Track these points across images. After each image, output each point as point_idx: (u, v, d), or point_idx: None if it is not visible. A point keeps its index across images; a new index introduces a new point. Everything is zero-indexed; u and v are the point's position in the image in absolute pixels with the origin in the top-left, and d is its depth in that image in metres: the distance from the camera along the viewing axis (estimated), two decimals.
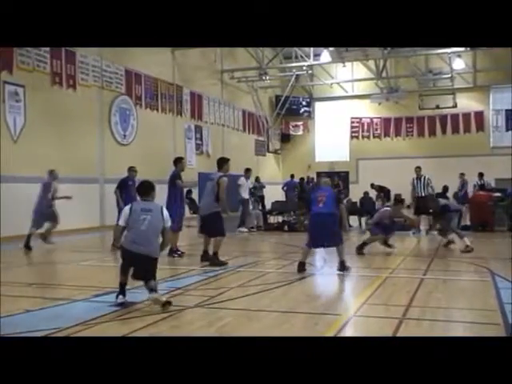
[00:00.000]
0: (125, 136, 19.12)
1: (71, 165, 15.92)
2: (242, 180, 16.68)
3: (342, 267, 8.34)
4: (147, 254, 5.88)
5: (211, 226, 9.50)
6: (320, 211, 8.42)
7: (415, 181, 15.72)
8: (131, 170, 11.99)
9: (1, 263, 9.07)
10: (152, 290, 5.82)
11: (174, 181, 10.48)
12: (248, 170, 16.97)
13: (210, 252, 9.44)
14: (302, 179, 24.40)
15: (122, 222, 6.06)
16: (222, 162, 9.75)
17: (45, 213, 11.66)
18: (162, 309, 5.69)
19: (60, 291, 6.98)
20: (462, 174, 21.52)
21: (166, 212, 6.14)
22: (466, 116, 30.11)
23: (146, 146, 19.80)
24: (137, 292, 6.36)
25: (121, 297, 6.01)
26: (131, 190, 10.80)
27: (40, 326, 5.08)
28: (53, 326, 5.04)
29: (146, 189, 6.24)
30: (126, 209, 6.09)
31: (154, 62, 20.34)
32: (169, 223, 6.15)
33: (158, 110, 21.07)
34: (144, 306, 5.99)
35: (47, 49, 15.42)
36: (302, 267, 8.40)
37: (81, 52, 16.69)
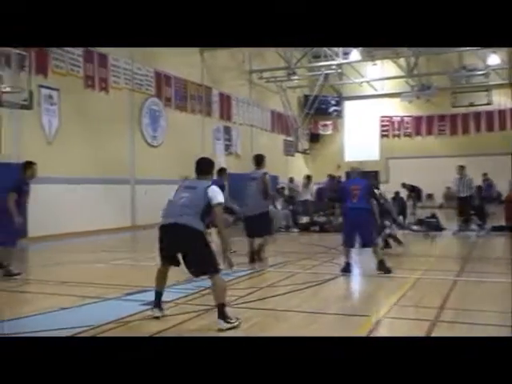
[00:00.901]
0: (155, 137, 19.34)
1: (103, 166, 16.20)
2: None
3: (383, 267, 8.15)
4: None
5: (262, 226, 9.36)
6: (354, 207, 8.10)
7: (457, 181, 15.12)
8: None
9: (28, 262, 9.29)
10: None
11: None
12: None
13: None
14: (333, 177, 24.16)
15: None
16: (262, 159, 9.67)
17: None
18: None
19: (93, 290, 7.13)
20: (485, 174, 21.22)
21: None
22: (502, 113, 29.56)
23: (176, 147, 20.00)
24: (168, 291, 6.45)
25: None
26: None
27: (74, 324, 5.20)
28: (86, 324, 5.16)
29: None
30: None
31: (183, 63, 20.52)
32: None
33: (187, 111, 21.25)
34: (174, 305, 6.07)
35: (80, 53, 15.72)
36: (346, 268, 8.20)
37: (113, 55, 16.95)
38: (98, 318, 5.44)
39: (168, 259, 5.47)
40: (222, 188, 11.12)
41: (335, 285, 7.68)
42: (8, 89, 10.39)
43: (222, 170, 11.38)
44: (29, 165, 8.49)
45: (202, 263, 5.26)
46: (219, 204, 5.31)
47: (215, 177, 11.64)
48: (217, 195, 5.32)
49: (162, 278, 5.56)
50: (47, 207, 13.50)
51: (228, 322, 5.09)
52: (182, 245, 5.29)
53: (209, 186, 5.37)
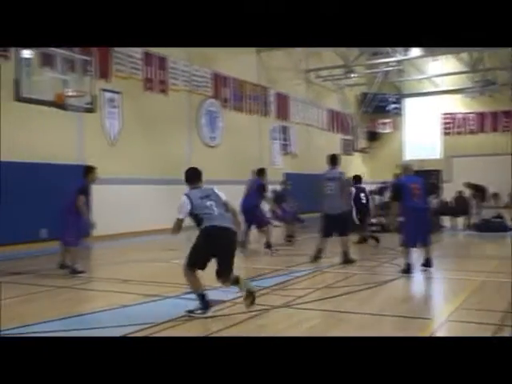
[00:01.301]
0: (212, 138, 19.56)
1: (162, 167, 16.53)
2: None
3: (429, 264, 8.12)
4: None
5: (344, 225, 9.54)
6: (417, 206, 7.97)
7: None
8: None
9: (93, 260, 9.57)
10: None
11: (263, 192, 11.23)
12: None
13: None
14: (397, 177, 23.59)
15: None
16: (337, 159, 9.85)
17: None
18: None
19: (153, 288, 7.27)
20: None
21: None
22: None
23: (233, 148, 20.16)
24: (226, 290, 6.51)
25: None
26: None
27: (135, 321, 5.33)
28: (146, 321, 5.27)
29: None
30: None
31: (240, 64, 20.65)
32: None
33: (244, 111, 21.37)
34: (232, 304, 6.11)
35: (141, 56, 16.10)
36: (408, 269, 8.07)
37: (171, 58, 17.27)
38: (158, 316, 5.54)
39: (207, 262, 5.75)
40: (263, 188, 11.35)
41: (395, 286, 7.53)
42: (73, 93, 10.75)
43: (262, 171, 11.73)
44: (90, 169, 8.89)
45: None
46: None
47: (250, 177, 11.90)
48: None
49: (198, 279, 5.78)
50: (109, 207, 13.88)
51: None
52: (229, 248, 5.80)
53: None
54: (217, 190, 5.99)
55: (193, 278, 5.73)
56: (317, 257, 9.47)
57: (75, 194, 8.43)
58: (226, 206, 5.91)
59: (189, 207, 5.77)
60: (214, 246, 5.68)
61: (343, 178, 9.59)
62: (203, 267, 5.73)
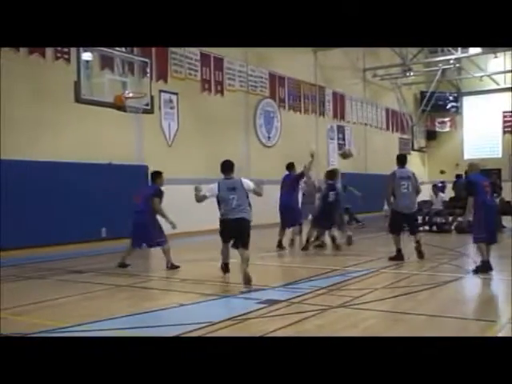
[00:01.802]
0: (269, 138, 19.61)
1: (218, 167, 16.65)
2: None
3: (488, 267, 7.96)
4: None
5: (415, 223, 10.19)
6: (491, 204, 8.07)
7: None
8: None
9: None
10: None
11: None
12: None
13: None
14: (459, 176, 22.90)
15: None
16: (405, 159, 10.31)
17: None
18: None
19: (211, 287, 7.35)
20: None
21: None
22: None
23: (289, 148, 20.11)
24: (283, 290, 6.51)
25: None
26: None
27: (192, 320, 5.40)
28: (204, 320, 5.33)
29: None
30: None
31: (297, 63, 20.61)
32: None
33: (300, 111, 21.33)
34: (289, 304, 6.10)
35: (198, 57, 16.33)
36: (485, 266, 7.92)
37: (228, 58, 17.42)
38: (216, 315, 5.59)
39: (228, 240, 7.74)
40: (334, 189, 11.24)
41: (455, 287, 7.34)
42: (132, 94, 11.00)
43: (333, 172, 12.02)
44: (158, 174, 9.40)
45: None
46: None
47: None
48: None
49: (228, 248, 7.84)
50: (167, 208, 14.11)
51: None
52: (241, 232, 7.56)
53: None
54: (245, 181, 7.52)
55: (224, 249, 7.83)
56: (398, 255, 9.60)
57: (151, 198, 8.92)
58: (255, 191, 7.53)
59: (216, 192, 7.47)
60: (227, 231, 7.55)
61: (415, 176, 9.87)
62: (228, 241, 7.69)
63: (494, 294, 7.28)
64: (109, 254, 10.00)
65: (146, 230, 8.93)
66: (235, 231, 7.48)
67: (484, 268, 7.88)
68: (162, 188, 9.27)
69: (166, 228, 9.26)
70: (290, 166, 12.09)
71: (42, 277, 8.55)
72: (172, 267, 8.95)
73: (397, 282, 7.54)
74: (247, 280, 7.08)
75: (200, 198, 7.57)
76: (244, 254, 7.32)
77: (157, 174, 9.38)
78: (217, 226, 7.87)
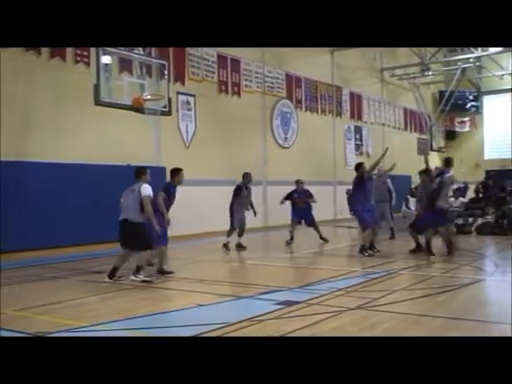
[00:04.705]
0: (286, 139, 19.59)
1: (236, 168, 16.67)
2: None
3: None
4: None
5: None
6: None
7: None
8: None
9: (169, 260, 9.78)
10: None
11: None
12: None
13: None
14: (487, 179, 22.55)
15: None
16: (451, 162, 10.62)
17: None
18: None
19: (228, 288, 7.37)
20: None
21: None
22: None
23: (306, 148, 20.10)
24: (300, 291, 6.50)
25: None
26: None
27: (209, 320, 5.42)
28: (221, 321, 5.34)
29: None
30: None
31: (313, 64, 20.57)
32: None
33: (317, 111, 21.28)
34: (306, 305, 6.09)
35: (215, 59, 16.38)
36: None
37: (245, 60, 17.45)
38: (233, 316, 5.60)
39: None
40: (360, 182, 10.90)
41: (475, 289, 7.26)
42: (150, 97, 11.07)
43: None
44: (178, 171, 9.08)
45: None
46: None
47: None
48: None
49: None
50: (185, 208, 14.17)
51: None
52: None
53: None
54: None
55: None
56: (430, 252, 9.96)
57: (158, 193, 8.54)
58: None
59: None
60: None
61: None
62: None
63: None
64: None
65: (150, 229, 8.66)
66: None
67: None
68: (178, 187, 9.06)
69: (185, 228, 9.28)
70: (360, 166, 11.28)
71: (63, 277, 8.66)
72: (161, 272, 8.46)
73: (416, 284, 7.48)
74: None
75: None
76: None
77: (176, 171, 9.08)
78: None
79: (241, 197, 11.84)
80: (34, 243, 11.27)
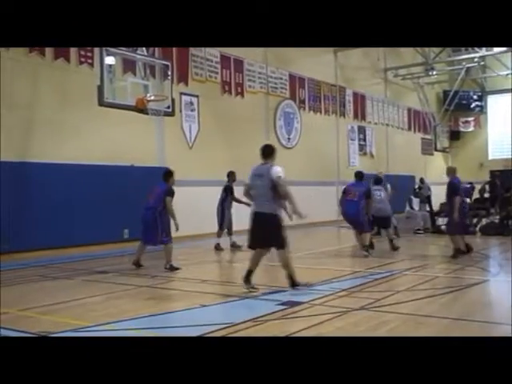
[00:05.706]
0: (289, 139, 19.58)
1: (239, 169, 16.67)
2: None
3: None
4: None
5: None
6: None
7: None
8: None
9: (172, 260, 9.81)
10: None
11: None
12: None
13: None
14: (493, 177, 22.42)
15: None
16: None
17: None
18: None
19: (232, 288, 7.37)
20: None
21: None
22: None
23: (310, 149, 20.08)
24: (304, 292, 6.49)
25: None
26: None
27: (213, 321, 5.42)
28: (225, 322, 5.35)
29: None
30: None
31: (317, 64, 20.56)
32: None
33: (321, 112, 21.27)
34: (309, 306, 6.09)
35: (218, 59, 16.39)
36: None
37: (248, 60, 17.45)
38: (237, 316, 5.61)
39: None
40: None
41: (479, 290, 7.24)
42: (153, 97, 11.08)
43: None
44: (172, 173, 9.45)
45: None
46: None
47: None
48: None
49: None
50: (188, 208, 14.19)
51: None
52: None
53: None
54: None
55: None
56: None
57: (163, 196, 8.98)
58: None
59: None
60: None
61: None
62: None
63: None
64: (131, 254, 10.08)
65: (151, 227, 9.02)
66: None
67: None
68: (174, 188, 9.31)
69: (191, 228, 9.36)
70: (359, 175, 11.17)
71: (68, 277, 8.68)
72: (171, 269, 8.96)
73: (420, 285, 7.47)
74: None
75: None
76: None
77: (170, 173, 9.44)
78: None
79: (231, 197, 12.18)
80: (38, 244, 11.31)
